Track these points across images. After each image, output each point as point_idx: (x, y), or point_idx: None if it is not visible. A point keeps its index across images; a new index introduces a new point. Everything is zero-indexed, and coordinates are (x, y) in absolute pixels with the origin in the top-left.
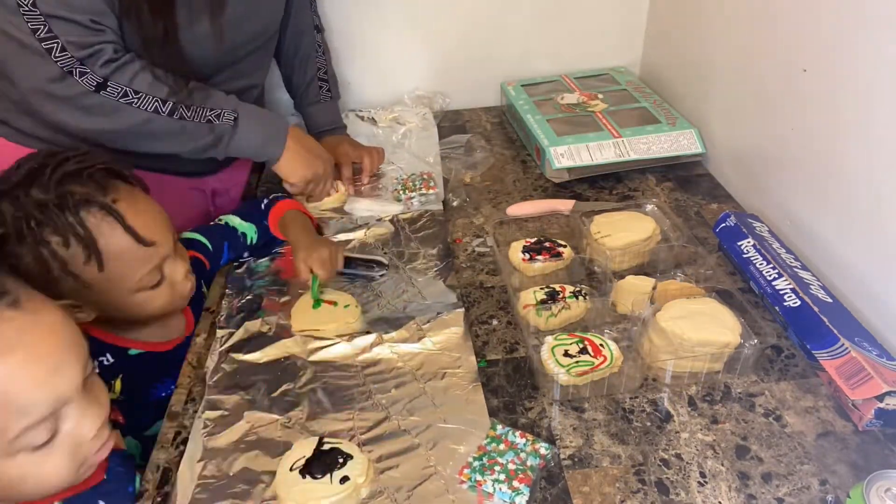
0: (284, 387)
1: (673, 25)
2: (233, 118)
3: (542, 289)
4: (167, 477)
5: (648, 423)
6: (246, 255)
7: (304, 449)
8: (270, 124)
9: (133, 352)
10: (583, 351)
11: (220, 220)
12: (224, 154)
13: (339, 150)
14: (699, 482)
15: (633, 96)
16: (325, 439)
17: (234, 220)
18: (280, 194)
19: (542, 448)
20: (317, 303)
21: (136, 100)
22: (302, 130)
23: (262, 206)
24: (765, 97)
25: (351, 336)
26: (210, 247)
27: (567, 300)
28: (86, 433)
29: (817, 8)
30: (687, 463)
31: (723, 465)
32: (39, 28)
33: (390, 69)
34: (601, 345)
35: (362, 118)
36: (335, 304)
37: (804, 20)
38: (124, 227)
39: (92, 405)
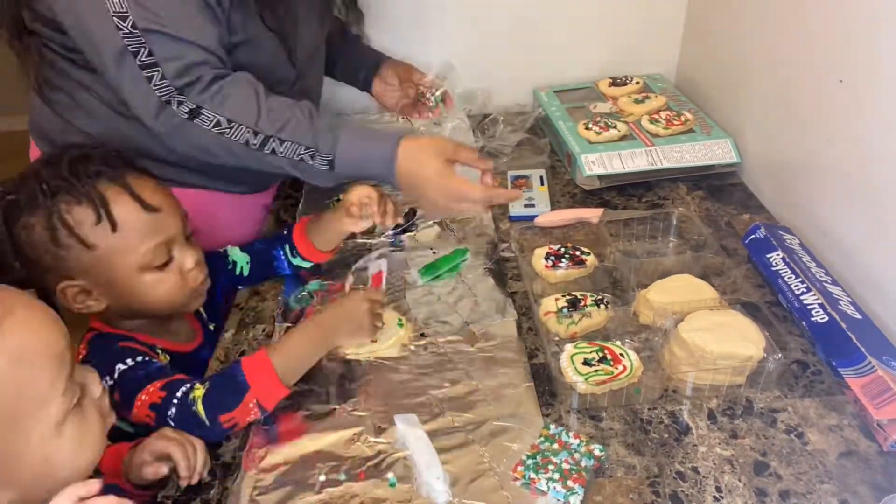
0: (340, 380)
1: (709, 34)
2: (327, 161)
3: (563, 296)
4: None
5: (666, 435)
6: (240, 287)
7: None
8: (372, 153)
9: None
10: (602, 360)
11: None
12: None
13: (410, 70)
14: (714, 497)
15: (668, 105)
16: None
17: (234, 250)
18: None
19: (597, 450)
20: None
21: (227, 129)
22: (415, 147)
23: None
24: (800, 107)
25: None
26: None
27: (588, 308)
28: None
29: (854, 18)
30: (703, 477)
31: (740, 480)
32: (140, 51)
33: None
34: (621, 354)
35: (397, 119)
36: (381, 325)
37: (840, 31)
38: (131, 194)
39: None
